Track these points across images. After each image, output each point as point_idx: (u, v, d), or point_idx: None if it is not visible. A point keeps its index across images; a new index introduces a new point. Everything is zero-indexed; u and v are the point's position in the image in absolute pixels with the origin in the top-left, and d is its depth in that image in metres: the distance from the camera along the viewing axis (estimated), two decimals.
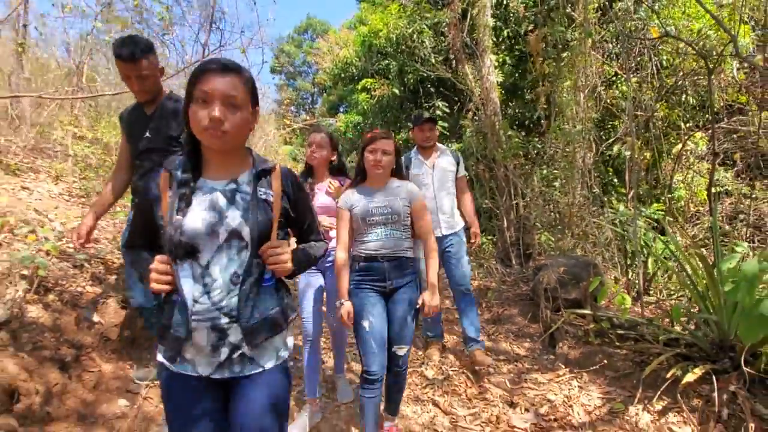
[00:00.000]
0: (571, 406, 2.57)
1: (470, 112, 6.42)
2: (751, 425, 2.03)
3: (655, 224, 4.60)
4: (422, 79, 7.56)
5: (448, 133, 7.12)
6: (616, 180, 6.33)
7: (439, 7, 7.06)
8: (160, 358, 1.24)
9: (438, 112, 7.05)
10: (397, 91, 7.85)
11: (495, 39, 6.58)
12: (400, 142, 7.29)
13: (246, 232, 1.18)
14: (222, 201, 1.19)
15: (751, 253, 3.13)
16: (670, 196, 5.04)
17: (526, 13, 6.68)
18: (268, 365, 1.24)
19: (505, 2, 6.77)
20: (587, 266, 3.75)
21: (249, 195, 1.22)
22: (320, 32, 25.22)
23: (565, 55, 5.58)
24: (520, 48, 6.99)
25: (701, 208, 5.23)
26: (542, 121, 6.12)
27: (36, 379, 2.12)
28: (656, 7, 5.36)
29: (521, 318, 4.03)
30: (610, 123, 6.34)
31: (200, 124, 1.11)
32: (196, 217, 1.16)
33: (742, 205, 4.85)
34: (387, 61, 8.13)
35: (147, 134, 2.24)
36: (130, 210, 2.59)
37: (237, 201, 1.20)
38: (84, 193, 4.30)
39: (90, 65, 5.78)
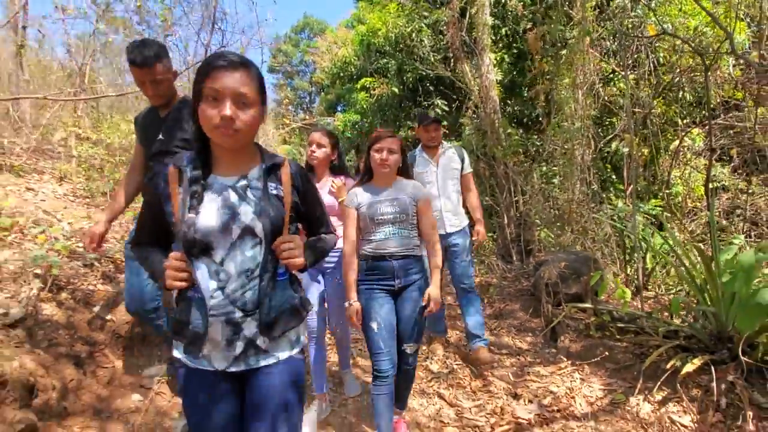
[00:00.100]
0: (573, 397, 2.62)
1: (469, 110, 6.46)
2: (749, 413, 2.09)
3: (654, 220, 4.65)
4: (421, 78, 7.59)
5: (447, 132, 7.15)
6: (614, 176, 6.38)
7: (438, 6, 7.09)
8: (177, 354, 1.24)
9: (437, 111, 7.08)
10: (396, 90, 7.87)
11: (493, 37, 6.61)
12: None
13: (259, 228, 1.18)
14: (234, 197, 1.19)
15: (747, 247, 3.19)
16: (668, 191, 5.07)
17: (525, 12, 6.73)
18: (283, 356, 1.26)
19: (503, 1, 6.80)
20: (587, 261, 3.80)
21: (260, 191, 1.21)
22: (317, 31, 25.15)
23: (563, 53, 5.61)
24: (519, 46, 7.03)
25: (699, 204, 5.27)
26: (541, 119, 6.17)
27: (52, 375, 2.17)
28: (653, 5, 5.41)
29: (523, 313, 4.08)
30: (608, 120, 6.39)
31: (211, 122, 1.10)
32: (209, 215, 1.15)
33: (738, 201, 4.90)
34: (386, 60, 8.15)
35: (160, 137, 2.27)
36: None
37: (249, 197, 1.20)
38: (88, 193, 4.32)
39: (92, 66, 5.79)
